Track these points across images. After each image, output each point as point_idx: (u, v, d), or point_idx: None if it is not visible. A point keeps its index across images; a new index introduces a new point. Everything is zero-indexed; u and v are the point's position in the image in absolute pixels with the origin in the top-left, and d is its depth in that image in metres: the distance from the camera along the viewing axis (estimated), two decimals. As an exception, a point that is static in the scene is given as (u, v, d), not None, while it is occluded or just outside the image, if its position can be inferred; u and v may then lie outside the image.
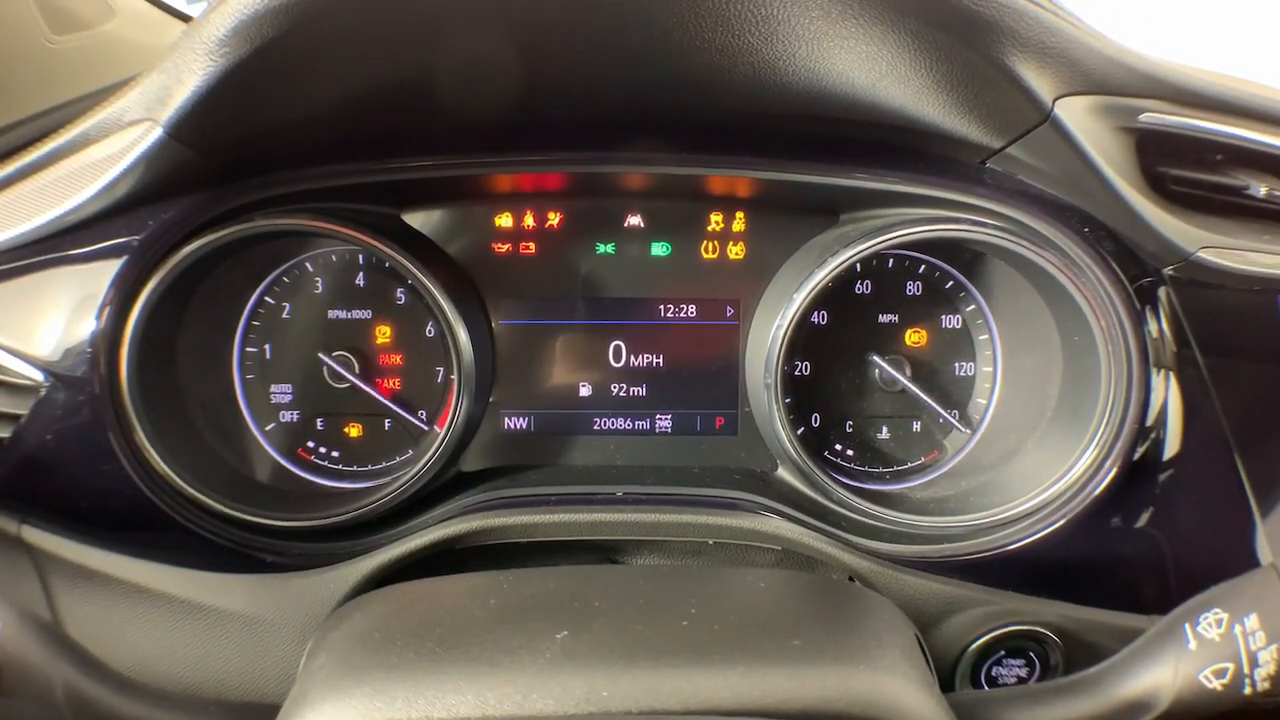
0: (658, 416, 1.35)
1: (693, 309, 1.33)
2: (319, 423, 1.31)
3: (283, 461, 1.30)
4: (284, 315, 1.29)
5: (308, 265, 1.29)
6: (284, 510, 1.18)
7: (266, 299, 1.28)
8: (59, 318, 1.07)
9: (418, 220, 1.28)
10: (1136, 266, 1.11)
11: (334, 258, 1.29)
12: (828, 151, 1.17)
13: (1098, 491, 1.12)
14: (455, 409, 1.21)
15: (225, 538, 1.14)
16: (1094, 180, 1.04)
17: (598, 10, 0.94)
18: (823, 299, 1.23)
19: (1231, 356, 1.12)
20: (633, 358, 1.34)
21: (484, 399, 1.32)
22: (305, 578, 1.14)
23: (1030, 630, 1.16)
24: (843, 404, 1.33)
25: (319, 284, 1.29)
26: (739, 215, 1.30)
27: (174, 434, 1.16)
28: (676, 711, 0.75)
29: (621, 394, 1.35)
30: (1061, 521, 1.13)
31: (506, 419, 1.34)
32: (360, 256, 1.29)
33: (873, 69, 0.99)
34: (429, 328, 1.31)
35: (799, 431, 1.22)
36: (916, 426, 1.34)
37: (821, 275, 1.16)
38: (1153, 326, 1.11)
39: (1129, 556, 1.16)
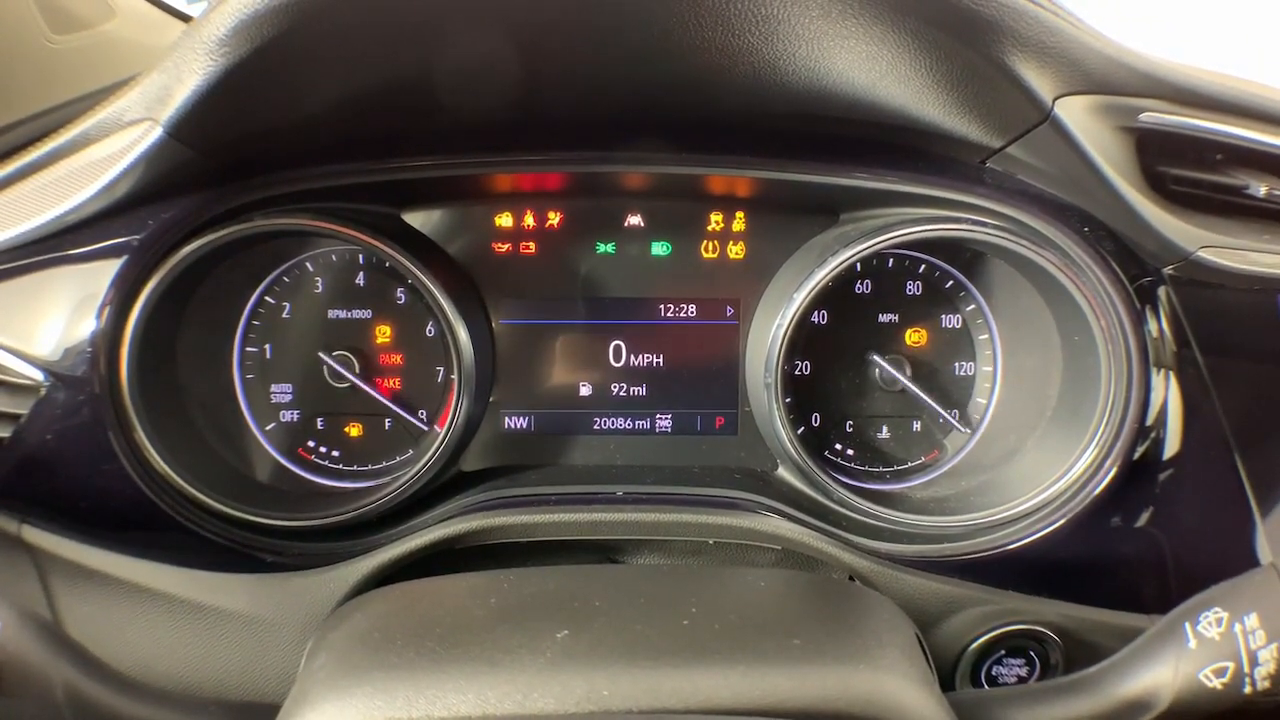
0: (658, 416, 1.35)
1: (693, 309, 1.33)
2: (319, 422, 1.31)
3: (283, 461, 1.30)
4: (284, 315, 1.29)
5: (308, 265, 1.28)
6: (284, 510, 1.18)
7: (266, 299, 1.28)
8: (59, 317, 1.07)
9: (418, 220, 1.28)
10: (1136, 266, 1.11)
11: (334, 257, 1.29)
12: (828, 151, 1.17)
13: (1098, 491, 1.12)
14: (455, 409, 1.21)
15: (225, 537, 1.14)
16: (1094, 180, 1.04)
17: (598, 10, 0.94)
18: (823, 298, 1.23)
19: (1231, 356, 1.12)
20: (633, 357, 1.34)
21: (484, 399, 1.32)
22: (305, 577, 1.15)
23: (1030, 630, 1.16)
24: (843, 403, 1.33)
25: (319, 284, 1.29)
26: (739, 215, 1.30)
27: (174, 434, 1.16)
28: (677, 710, 0.75)
29: (621, 394, 1.35)
30: (1061, 521, 1.13)
31: (506, 419, 1.34)
32: (360, 256, 1.29)
33: (873, 69, 0.99)
34: (429, 327, 1.31)
35: (799, 431, 1.22)
36: (916, 426, 1.34)
37: (822, 275, 1.16)
38: (1153, 326, 1.11)
39: (1129, 556, 1.16)
